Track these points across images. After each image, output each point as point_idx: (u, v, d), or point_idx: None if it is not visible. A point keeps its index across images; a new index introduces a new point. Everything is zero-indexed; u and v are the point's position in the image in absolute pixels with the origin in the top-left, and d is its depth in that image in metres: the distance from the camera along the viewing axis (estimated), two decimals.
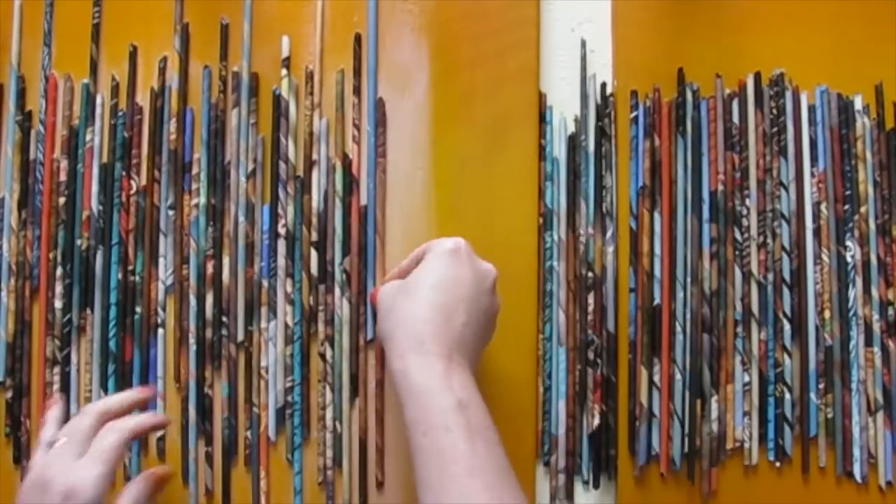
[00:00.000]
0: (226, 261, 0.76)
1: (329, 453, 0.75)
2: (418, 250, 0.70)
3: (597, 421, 0.76)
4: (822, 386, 0.76)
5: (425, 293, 0.65)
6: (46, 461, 0.64)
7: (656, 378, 0.76)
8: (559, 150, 0.78)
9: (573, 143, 0.78)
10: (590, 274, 0.77)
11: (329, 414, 0.75)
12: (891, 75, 0.79)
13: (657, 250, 0.77)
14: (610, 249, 0.77)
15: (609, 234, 0.77)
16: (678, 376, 0.76)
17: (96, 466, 0.62)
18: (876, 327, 0.77)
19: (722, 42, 0.79)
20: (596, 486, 0.76)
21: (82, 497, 0.61)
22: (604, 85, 0.79)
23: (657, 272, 0.77)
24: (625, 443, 0.76)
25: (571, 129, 0.79)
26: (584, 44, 0.79)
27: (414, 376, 0.62)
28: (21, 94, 0.77)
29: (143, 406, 0.72)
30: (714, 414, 0.76)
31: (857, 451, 0.76)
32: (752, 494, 0.76)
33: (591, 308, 0.77)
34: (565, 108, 0.79)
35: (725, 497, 0.76)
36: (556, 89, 0.80)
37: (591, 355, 0.77)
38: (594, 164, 0.78)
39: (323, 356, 0.76)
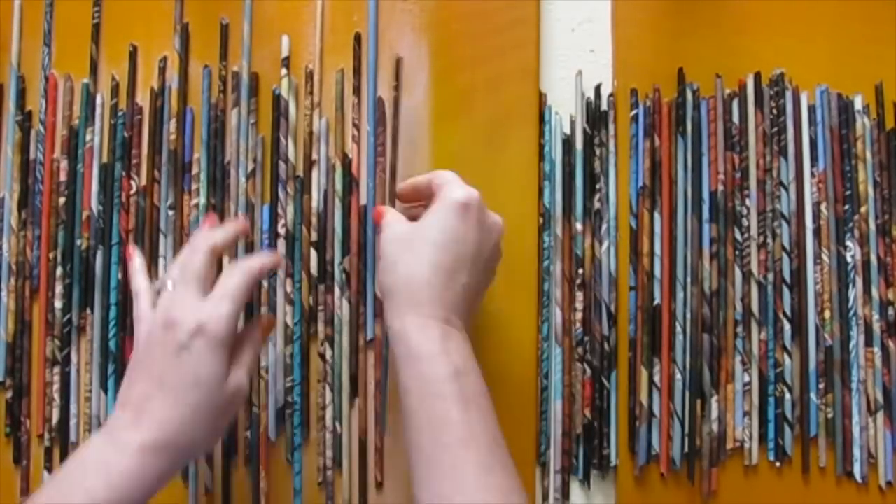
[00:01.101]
0: (225, 261, 0.76)
1: (329, 453, 0.75)
2: (435, 178, 0.67)
3: (585, 420, 0.76)
4: (822, 386, 0.76)
5: (428, 251, 0.63)
6: (167, 302, 0.62)
7: (656, 378, 0.76)
8: (556, 150, 0.78)
9: (568, 143, 0.78)
10: (579, 271, 0.77)
11: (329, 414, 0.75)
12: (891, 75, 0.79)
13: (657, 250, 0.77)
14: (604, 247, 0.77)
15: (603, 230, 0.77)
16: (678, 376, 0.76)
17: (225, 304, 0.61)
18: (876, 327, 0.77)
19: (722, 42, 0.80)
20: (587, 486, 0.76)
21: (213, 334, 0.60)
22: (598, 87, 0.79)
23: (657, 272, 0.77)
24: (625, 443, 0.76)
25: (568, 129, 0.79)
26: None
27: (411, 339, 0.61)
28: (21, 94, 0.77)
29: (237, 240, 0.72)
30: (714, 414, 0.76)
31: (857, 451, 0.76)
32: (752, 494, 0.76)
33: (580, 307, 0.77)
34: (565, 108, 0.79)
35: (725, 497, 0.76)
36: (556, 89, 0.80)
37: (578, 354, 0.77)
38: (582, 162, 0.78)
39: (323, 356, 0.76)
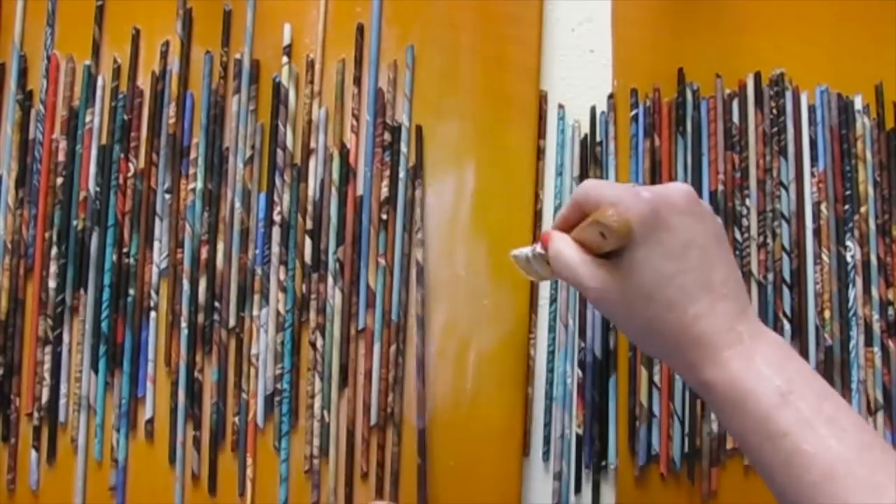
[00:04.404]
0: (220, 246, 0.76)
1: (316, 442, 0.74)
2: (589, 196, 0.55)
3: (577, 422, 0.75)
4: None
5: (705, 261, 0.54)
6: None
7: (656, 378, 0.75)
8: (555, 149, 0.79)
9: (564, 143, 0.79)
10: None
11: (317, 403, 0.74)
12: (891, 75, 0.79)
13: None
14: None
15: None
16: (678, 376, 0.75)
17: None
18: (876, 327, 0.76)
19: (722, 42, 0.80)
20: (577, 490, 0.75)
21: None
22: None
23: None
24: (625, 443, 0.75)
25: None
26: None
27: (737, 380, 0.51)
28: (23, 74, 0.78)
29: None
30: (714, 414, 0.74)
31: None
32: (752, 494, 0.74)
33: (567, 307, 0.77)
34: (565, 108, 0.79)
35: (725, 497, 0.74)
36: (556, 89, 0.80)
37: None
38: (573, 162, 0.78)
39: (313, 345, 0.75)
